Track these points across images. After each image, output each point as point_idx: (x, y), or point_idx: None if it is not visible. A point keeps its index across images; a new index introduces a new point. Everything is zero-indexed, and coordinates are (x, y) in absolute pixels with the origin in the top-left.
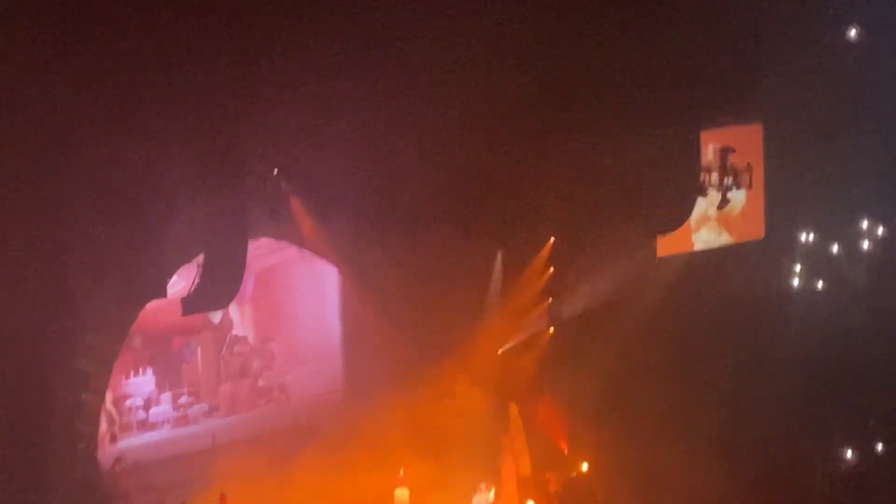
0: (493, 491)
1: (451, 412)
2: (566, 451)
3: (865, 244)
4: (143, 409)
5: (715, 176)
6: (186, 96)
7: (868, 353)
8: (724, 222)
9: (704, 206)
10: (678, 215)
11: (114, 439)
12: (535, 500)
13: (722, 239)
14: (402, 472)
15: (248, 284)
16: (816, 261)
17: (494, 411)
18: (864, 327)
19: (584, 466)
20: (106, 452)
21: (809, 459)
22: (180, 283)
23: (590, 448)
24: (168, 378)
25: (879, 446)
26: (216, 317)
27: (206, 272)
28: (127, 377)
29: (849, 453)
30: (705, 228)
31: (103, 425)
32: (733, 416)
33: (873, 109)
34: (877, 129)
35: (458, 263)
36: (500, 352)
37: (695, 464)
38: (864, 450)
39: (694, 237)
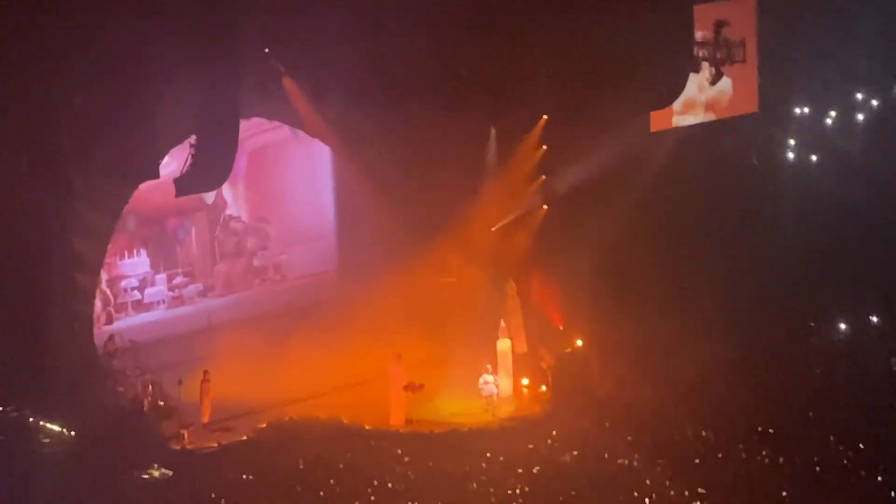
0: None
1: (446, 290)
2: (561, 328)
3: (860, 116)
4: (137, 290)
5: (708, 50)
6: None
7: (862, 225)
8: (713, 106)
9: (696, 89)
10: (672, 89)
11: (109, 320)
12: (529, 377)
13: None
14: (397, 350)
15: (241, 164)
16: (810, 134)
17: (490, 289)
18: (857, 199)
19: (579, 342)
20: (101, 333)
21: (804, 331)
22: (173, 163)
23: (585, 324)
24: (163, 259)
25: (874, 318)
26: (209, 197)
27: (199, 153)
28: (121, 258)
29: (842, 325)
30: (689, 114)
31: (98, 306)
32: (728, 289)
33: None
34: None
35: (451, 142)
36: (493, 229)
37: (689, 337)
38: (858, 321)
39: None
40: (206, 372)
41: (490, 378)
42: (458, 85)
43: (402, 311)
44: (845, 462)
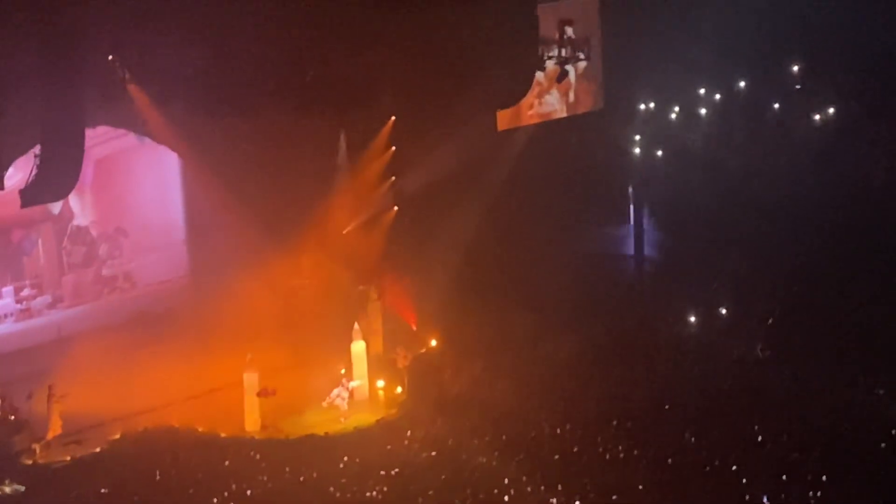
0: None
1: (300, 293)
2: (414, 328)
3: (703, 111)
4: None
5: (553, 49)
6: None
7: (706, 218)
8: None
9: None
10: (517, 89)
11: None
12: (384, 378)
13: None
14: (249, 355)
15: (88, 173)
16: (655, 129)
17: (344, 291)
18: (703, 191)
19: (433, 342)
20: None
21: (653, 324)
22: (17, 174)
23: (440, 323)
24: (9, 271)
25: (722, 310)
26: (56, 207)
27: (44, 163)
28: None
29: (692, 318)
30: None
31: None
32: (578, 285)
33: None
34: None
35: (300, 145)
36: (344, 231)
37: (542, 333)
38: (707, 314)
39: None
40: (50, 387)
41: (345, 393)
42: (305, 88)
43: (256, 316)
44: (697, 452)
